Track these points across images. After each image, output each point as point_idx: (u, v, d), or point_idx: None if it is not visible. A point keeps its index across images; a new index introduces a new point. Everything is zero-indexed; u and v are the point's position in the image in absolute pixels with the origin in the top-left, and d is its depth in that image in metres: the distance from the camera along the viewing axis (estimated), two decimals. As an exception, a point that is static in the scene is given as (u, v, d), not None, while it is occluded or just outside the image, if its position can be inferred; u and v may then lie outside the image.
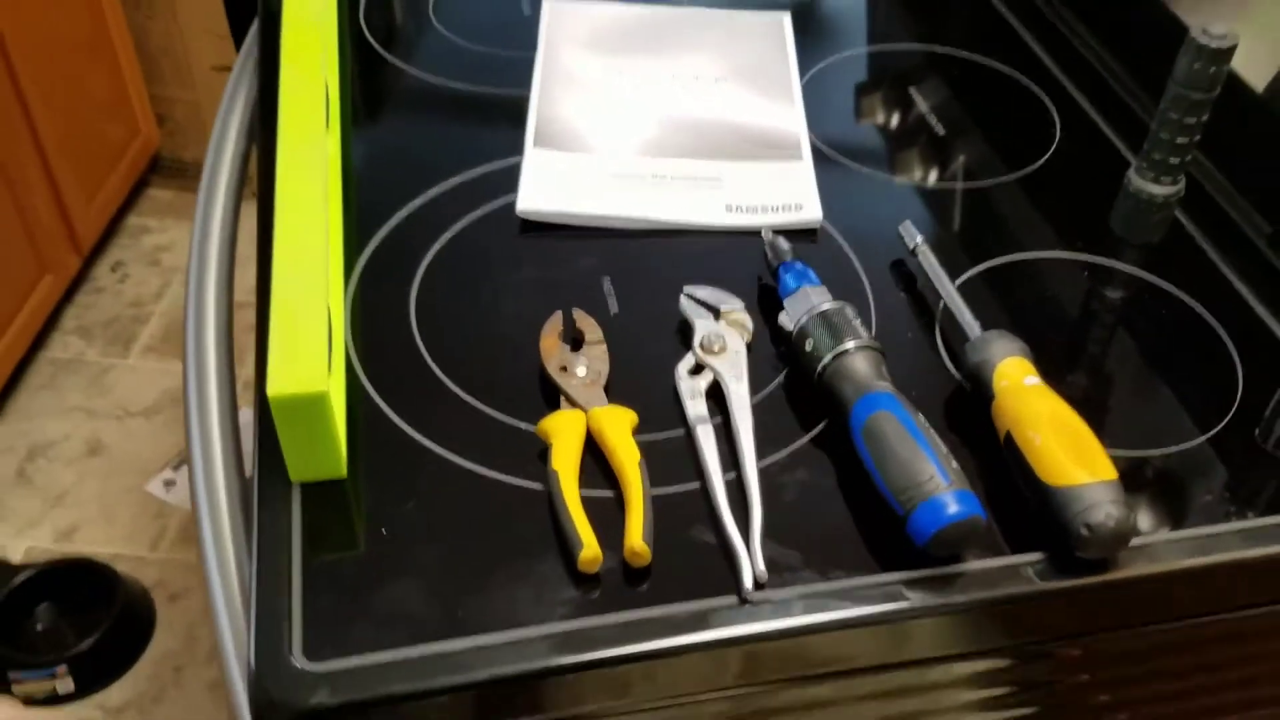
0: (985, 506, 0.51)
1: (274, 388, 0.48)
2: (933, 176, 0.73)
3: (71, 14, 1.66)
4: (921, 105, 0.79)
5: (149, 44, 1.84)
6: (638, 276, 0.65)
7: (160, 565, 1.47)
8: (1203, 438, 0.57)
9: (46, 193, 1.62)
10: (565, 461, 0.53)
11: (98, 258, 1.87)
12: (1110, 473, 0.50)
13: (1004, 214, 0.71)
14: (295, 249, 0.55)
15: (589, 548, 0.50)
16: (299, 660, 0.46)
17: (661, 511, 0.53)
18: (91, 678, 1.35)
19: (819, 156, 0.74)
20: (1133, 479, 0.55)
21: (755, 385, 0.59)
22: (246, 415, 0.60)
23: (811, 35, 0.85)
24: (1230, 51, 0.59)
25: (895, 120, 0.78)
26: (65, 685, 1.33)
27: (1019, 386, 0.54)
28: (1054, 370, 0.58)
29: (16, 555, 1.47)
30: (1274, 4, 0.61)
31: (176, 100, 1.93)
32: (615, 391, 0.58)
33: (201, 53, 1.85)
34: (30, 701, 1.34)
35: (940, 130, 0.77)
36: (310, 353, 0.50)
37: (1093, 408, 0.58)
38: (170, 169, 2.00)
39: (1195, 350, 0.62)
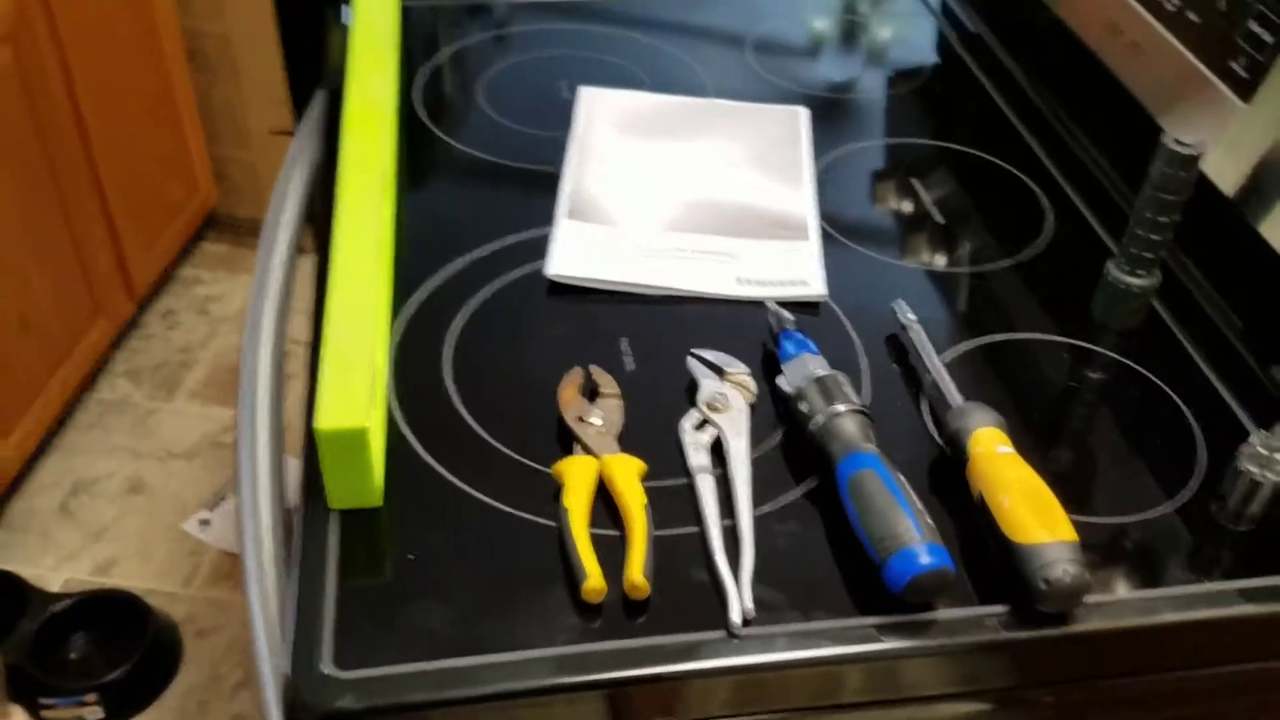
0: (958, 560, 0.57)
1: (321, 421, 0.54)
2: (930, 260, 0.80)
3: (141, 76, 1.77)
4: (924, 195, 0.85)
5: (211, 107, 1.95)
6: (653, 339, 0.71)
7: (191, 601, 1.53)
8: (1163, 509, 0.62)
9: (106, 241, 1.72)
10: (576, 501, 0.59)
11: (150, 305, 1.96)
12: (1070, 534, 0.55)
13: (994, 297, 0.77)
14: (349, 300, 0.61)
15: (593, 578, 0.55)
16: (329, 668, 0.51)
17: (662, 551, 0.58)
18: (119, 707, 1.40)
19: (826, 237, 0.80)
20: (1096, 543, 0.60)
21: (755, 441, 0.65)
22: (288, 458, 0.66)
23: (831, 126, 0.92)
24: (1197, 159, 0.65)
25: (898, 207, 0.85)
26: (94, 713, 1.38)
27: (992, 454, 0.59)
28: (1031, 441, 0.63)
29: (55, 585, 1.54)
30: (1244, 120, 0.67)
31: (234, 160, 2.03)
32: (627, 441, 0.64)
33: (260, 117, 1.96)
34: (59, 727, 1.39)
35: (940, 218, 0.83)
36: (355, 392, 0.56)
37: (1064, 477, 0.63)
38: (225, 224, 2.10)
39: (1163, 429, 0.67)
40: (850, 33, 1.07)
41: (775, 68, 0.99)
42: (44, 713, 1.38)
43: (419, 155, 0.87)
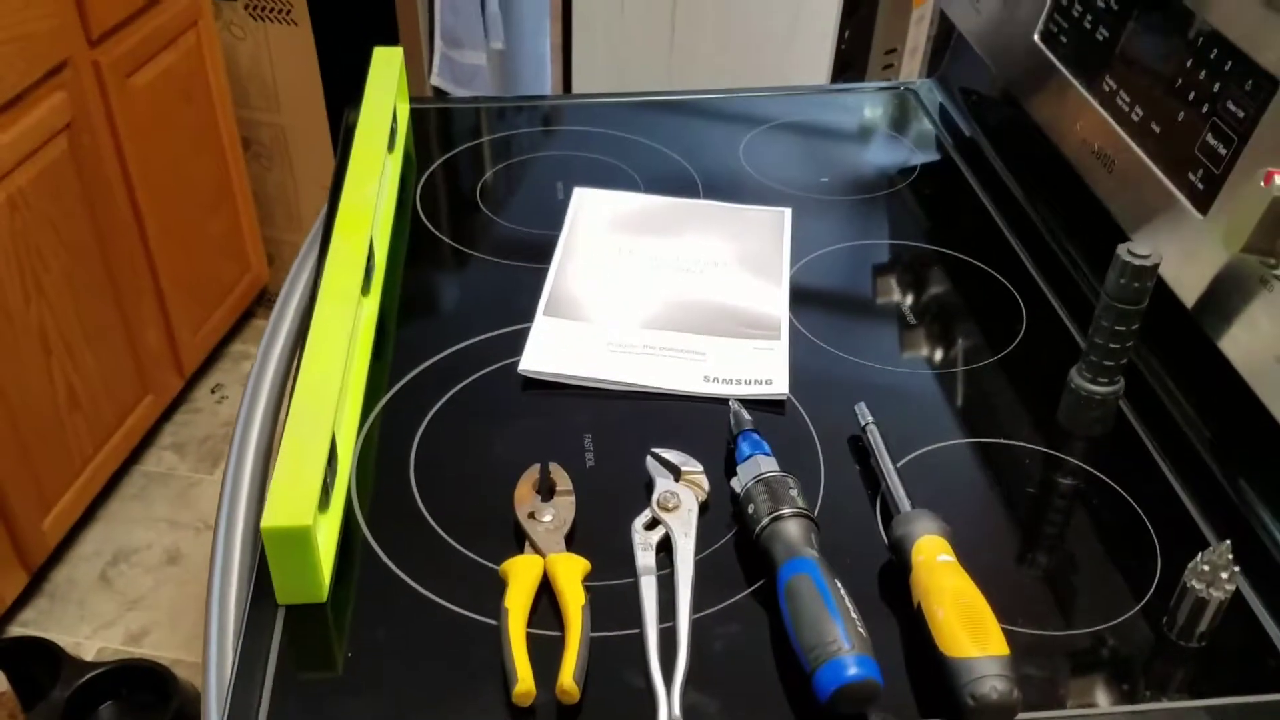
0: (898, 671, 0.57)
1: (267, 520, 0.57)
2: (902, 362, 0.80)
3: (199, 164, 1.86)
4: (901, 296, 0.86)
5: (265, 191, 2.03)
6: (617, 435, 0.73)
7: (216, 674, 1.56)
8: (1114, 624, 0.61)
9: (158, 321, 1.79)
10: (517, 600, 0.60)
11: (199, 380, 2.03)
12: (1001, 648, 0.55)
13: (963, 400, 0.77)
14: (311, 398, 0.64)
15: (523, 683, 0.56)
16: (257, 760, 0.53)
17: (602, 653, 0.59)
18: (141, 777, 1.43)
19: (800, 338, 0.81)
20: (1040, 657, 0.59)
21: (708, 541, 0.65)
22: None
23: (816, 226, 0.93)
24: (1153, 270, 0.65)
25: (874, 308, 0.86)
26: (115, 782, 1.41)
27: (932, 562, 0.59)
28: (982, 550, 0.63)
29: (90, 654, 1.58)
30: (1201, 233, 0.67)
31: (285, 242, 2.11)
32: (579, 539, 0.65)
33: (311, 200, 2.04)
34: (82, 796, 1.42)
35: (915, 320, 0.84)
36: (305, 491, 0.58)
37: (1012, 587, 0.63)
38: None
39: (1121, 542, 0.66)
40: (844, 135, 1.09)
41: (765, 169, 1.01)
42: (69, 781, 1.41)
43: (417, 255, 0.90)
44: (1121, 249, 0.66)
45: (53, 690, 1.46)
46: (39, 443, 1.55)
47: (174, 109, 1.76)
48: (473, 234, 0.92)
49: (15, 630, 1.60)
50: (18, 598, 1.62)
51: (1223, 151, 0.65)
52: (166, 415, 1.94)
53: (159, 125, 1.73)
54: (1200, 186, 0.67)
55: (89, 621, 1.63)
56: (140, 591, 1.67)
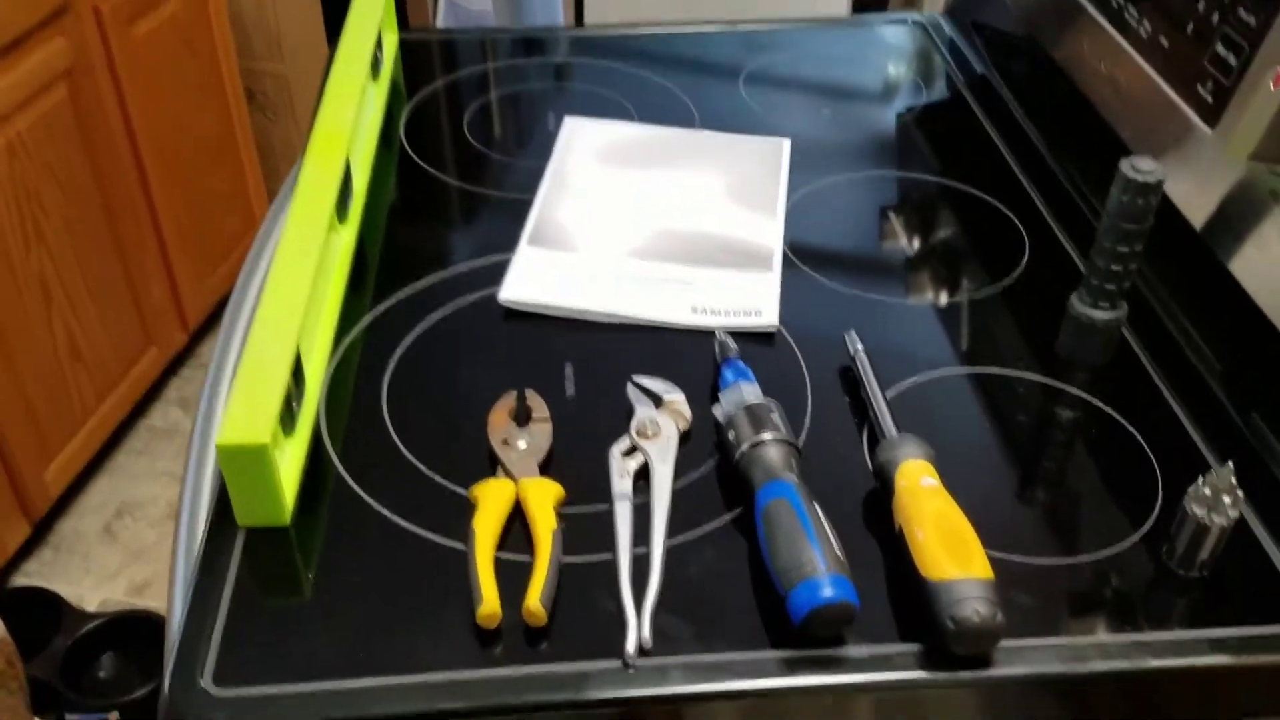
0: (880, 595, 0.54)
1: (223, 437, 0.55)
2: (896, 294, 0.77)
3: (201, 115, 1.84)
4: (900, 228, 0.83)
5: (269, 144, 2.01)
6: (599, 366, 0.70)
7: (218, 626, 1.56)
8: (1109, 553, 0.59)
9: (161, 273, 1.78)
10: (485, 523, 0.58)
11: (206, 335, 2.02)
12: (985, 571, 0.52)
13: (961, 330, 0.74)
14: (272, 321, 0.62)
15: (488, 604, 0.54)
16: (208, 685, 0.51)
17: (575, 578, 0.57)
18: (141, 725, 1.43)
19: (794, 269, 0.78)
20: (1029, 585, 0.56)
21: (688, 470, 0.63)
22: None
23: (817, 158, 0.90)
24: (1158, 186, 0.62)
25: (872, 239, 0.82)
26: (116, 731, 1.41)
27: (915, 486, 0.57)
28: (971, 478, 0.61)
29: (92, 605, 1.58)
30: (1210, 148, 0.64)
31: (291, 197, 2.09)
32: (556, 466, 0.63)
33: (317, 155, 2.01)
34: (83, 744, 1.42)
35: (915, 251, 0.81)
36: (263, 409, 0.56)
37: (1002, 516, 0.60)
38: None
39: (1122, 472, 0.63)
40: (849, 68, 1.06)
41: (766, 101, 0.98)
42: (69, 729, 1.41)
43: (398, 183, 0.88)
44: (1124, 164, 0.62)
45: (54, 640, 1.46)
46: (40, 392, 1.54)
47: (176, 58, 1.74)
48: (459, 164, 0.89)
49: (19, 581, 1.60)
50: (22, 548, 1.62)
51: (1232, 62, 0.62)
52: (173, 370, 1.93)
53: (161, 74, 1.71)
54: (1209, 100, 0.64)
55: (92, 573, 1.63)
56: (144, 544, 1.67)
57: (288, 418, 0.60)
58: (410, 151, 0.90)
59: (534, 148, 0.90)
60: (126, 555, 1.65)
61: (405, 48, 1.03)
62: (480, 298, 0.75)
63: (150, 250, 1.75)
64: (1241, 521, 0.59)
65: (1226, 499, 0.55)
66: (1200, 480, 0.56)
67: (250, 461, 0.55)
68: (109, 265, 1.66)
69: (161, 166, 1.73)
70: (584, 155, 0.88)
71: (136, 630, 1.50)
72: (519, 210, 0.83)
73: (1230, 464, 0.55)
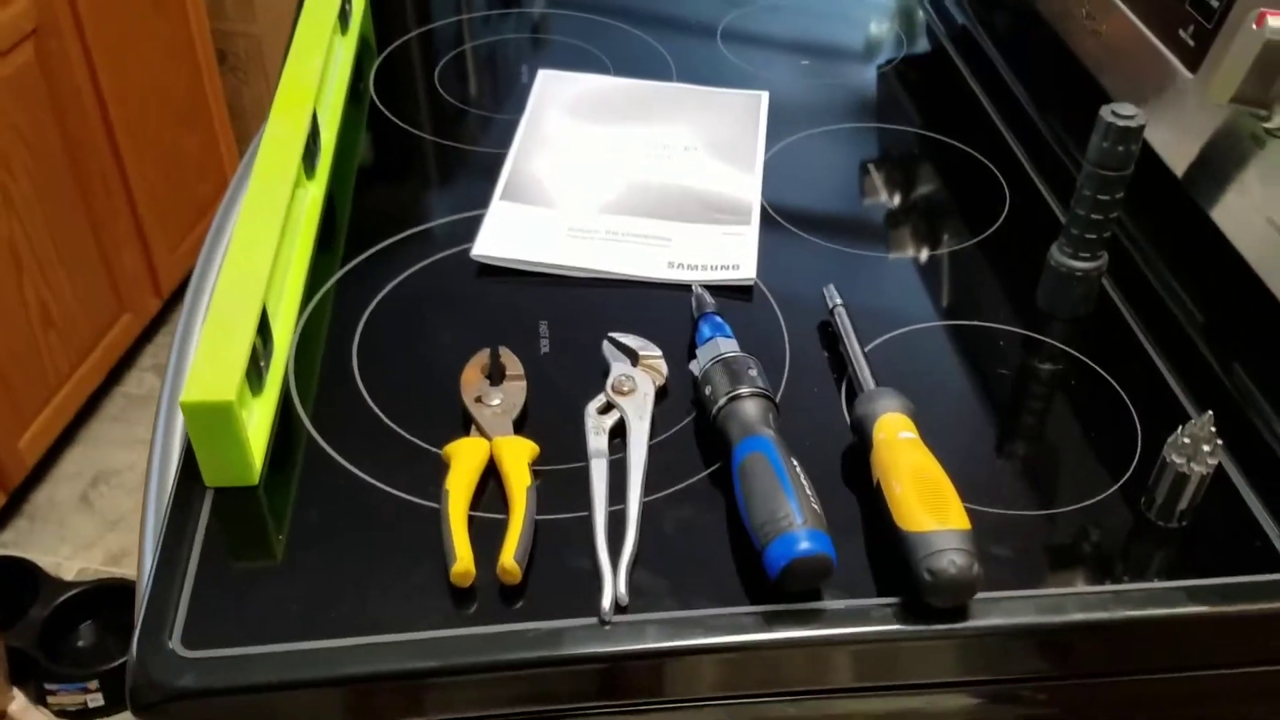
0: (857, 550, 0.54)
1: (187, 395, 0.53)
2: (875, 247, 0.76)
3: (171, 76, 1.80)
4: (880, 181, 0.82)
5: (241, 106, 1.98)
6: (575, 322, 0.69)
7: (198, 593, 1.55)
8: (1088, 504, 0.58)
9: (133, 238, 1.75)
10: (459, 482, 0.57)
11: (180, 300, 1.99)
12: (962, 523, 0.51)
13: (938, 284, 0.73)
14: (238, 275, 0.60)
15: (461, 562, 0.53)
16: (177, 646, 0.50)
17: (550, 535, 0.56)
18: (120, 694, 1.41)
19: (773, 224, 0.77)
20: (1008, 537, 0.56)
21: (665, 427, 0.62)
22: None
23: (796, 111, 0.89)
24: (1138, 131, 0.61)
25: (851, 193, 0.81)
26: (95, 699, 1.40)
27: (892, 439, 0.56)
28: (950, 431, 0.60)
29: (70, 574, 1.56)
30: (1192, 93, 0.63)
31: (266, 160, 2.06)
32: (531, 424, 0.62)
33: (290, 117, 1.98)
34: (63, 714, 1.41)
35: (894, 204, 0.80)
36: (228, 367, 0.55)
37: (980, 468, 0.60)
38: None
39: (1102, 425, 0.63)
40: (828, 19, 1.04)
41: (743, 52, 0.96)
42: (49, 698, 1.41)
43: (368, 138, 0.86)
44: (1105, 110, 0.61)
45: (32, 610, 1.45)
46: (12, 360, 1.52)
47: (145, 19, 1.71)
48: (431, 118, 0.88)
49: (-4, 551, 1.59)
50: (-3, 518, 1.60)
51: (1214, 3, 0.61)
52: (148, 336, 1.91)
53: (130, 35, 1.67)
54: (1191, 43, 0.62)
55: (69, 542, 1.61)
56: (121, 512, 1.66)
57: (255, 376, 0.58)
58: (380, 105, 0.88)
59: (508, 101, 0.89)
60: (103, 524, 1.64)
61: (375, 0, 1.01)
62: (453, 254, 0.74)
63: (122, 215, 1.72)
64: (1221, 472, 0.58)
65: (1206, 447, 0.55)
66: (1180, 430, 0.56)
67: (215, 420, 0.54)
68: (80, 231, 1.63)
69: (131, 130, 1.70)
70: (559, 109, 0.87)
71: (115, 599, 1.49)
72: (492, 165, 0.81)
73: (1209, 413, 0.55)
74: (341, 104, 0.85)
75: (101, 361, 1.72)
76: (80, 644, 1.47)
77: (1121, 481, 0.59)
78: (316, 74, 0.78)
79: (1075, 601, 0.53)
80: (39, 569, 1.50)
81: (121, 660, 1.40)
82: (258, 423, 0.59)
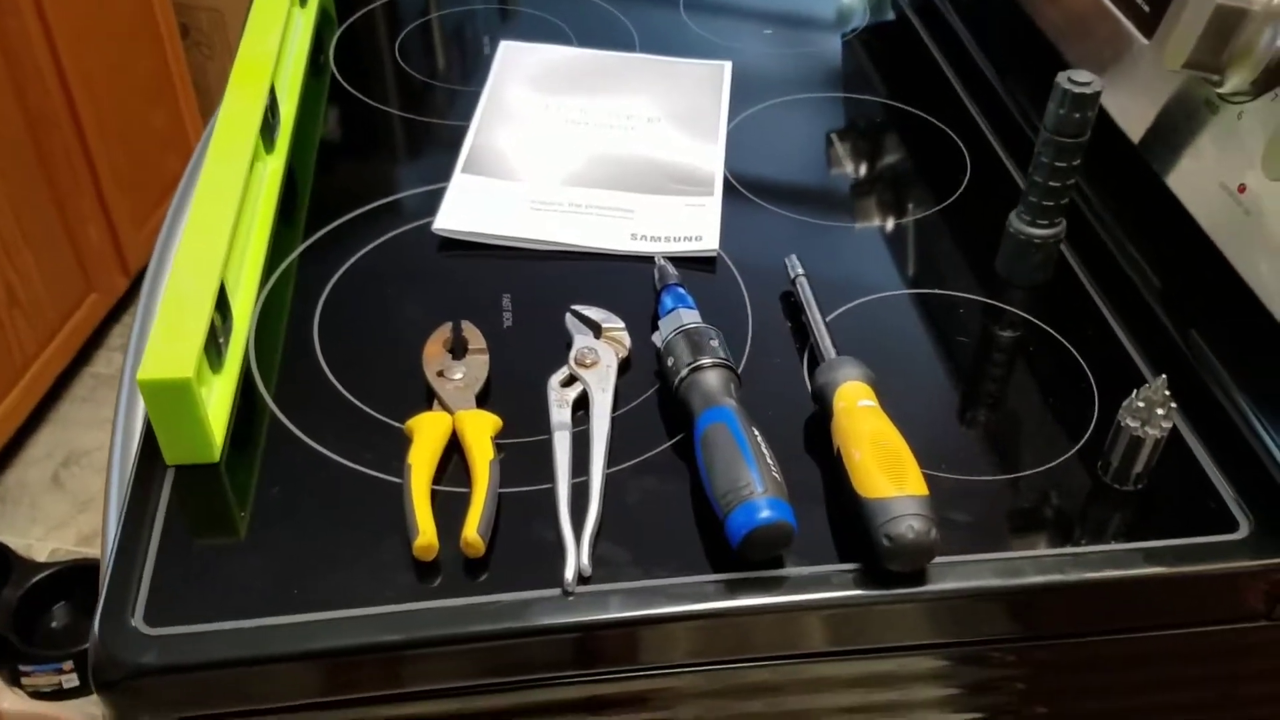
0: (820, 518, 0.54)
1: (143, 372, 0.53)
2: (838, 217, 0.76)
3: (134, 53, 1.78)
4: (842, 151, 0.82)
5: (206, 81, 1.96)
6: (537, 295, 0.69)
7: (172, 572, 1.54)
8: (1045, 468, 0.59)
9: (98, 216, 1.73)
10: (421, 456, 0.57)
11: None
12: (920, 488, 0.52)
13: (900, 253, 0.74)
14: (195, 250, 0.60)
15: (424, 536, 0.53)
16: (139, 624, 0.50)
17: (513, 508, 0.56)
18: (95, 674, 1.41)
19: (736, 194, 0.77)
20: (966, 502, 0.57)
21: (628, 399, 0.62)
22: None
23: (759, 82, 0.89)
24: (1094, 98, 0.61)
25: (813, 163, 0.81)
26: (70, 680, 1.40)
27: (852, 407, 0.56)
28: (905, 398, 0.60)
29: (42, 555, 1.56)
30: (1147, 59, 0.63)
31: (232, 136, 2.04)
32: (494, 398, 0.62)
33: (256, 92, 1.96)
34: (38, 694, 1.41)
35: (857, 174, 0.80)
36: (185, 344, 0.55)
37: (940, 435, 0.60)
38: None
39: (1059, 390, 0.64)
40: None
41: (706, 21, 0.96)
42: (23, 679, 1.40)
43: (329, 111, 0.85)
44: (1061, 77, 0.62)
45: (4, 591, 1.44)
46: (-23, 342, 1.50)
47: (104, -7, 1.68)
48: (392, 91, 0.87)
49: (-34, 533, 1.58)
50: (-33, 501, 1.59)
51: (1171, -31, 0.61)
52: (115, 316, 1.89)
53: (91, 12, 1.65)
54: (1146, 9, 0.63)
55: (41, 523, 1.60)
56: (92, 493, 1.65)
57: (214, 352, 0.58)
58: (340, 78, 0.88)
59: (469, 73, 0.88)
60: (75, 504, 1.63)
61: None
62: (414, 228, 0.74)
63: (86, 193, 1.70)
64: (1176, 436, 0.59)
65: (1160, 411, 0.55)
66: (1134, 394, 0.56)
67: (174, 397, 0.54)
68: (44, 210, 1.61)
69: (94, 107, 1.68)
70: (521, 80, 0.86)
71: (87, 579, 1.48)
72: (454, 138, 0.81)
73: (1163, 377, 0.55)
74: (301, 77, 0.85)
75: (69, 341, 1.71)
76: (54, 625, 1.46)
77: (1078, 446, 0.60)
78: (275, 47, 0.77)
79: (1033, 564, 0.54)
80: (11, 551, 1.49)
81: (95, 640, 1.40)
82: (218, 399, 0.59)
